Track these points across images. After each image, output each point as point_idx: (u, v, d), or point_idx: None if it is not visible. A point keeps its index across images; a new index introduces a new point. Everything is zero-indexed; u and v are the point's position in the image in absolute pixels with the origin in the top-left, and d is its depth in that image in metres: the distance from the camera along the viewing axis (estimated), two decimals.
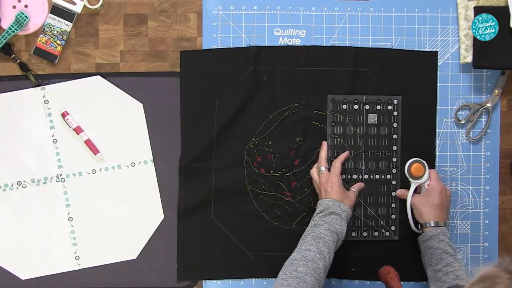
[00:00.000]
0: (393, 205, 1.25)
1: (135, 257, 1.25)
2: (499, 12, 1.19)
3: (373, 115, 1.25)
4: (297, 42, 1.25)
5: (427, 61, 1.25)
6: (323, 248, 1.02)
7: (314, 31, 1.25)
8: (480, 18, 1.20)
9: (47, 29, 1.22)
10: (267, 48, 1.24)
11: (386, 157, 1.25)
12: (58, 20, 1.22)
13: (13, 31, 1.20)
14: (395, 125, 1.25)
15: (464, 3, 1.24)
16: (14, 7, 1.22)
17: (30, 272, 1.25)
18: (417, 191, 1.22)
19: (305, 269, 0.96)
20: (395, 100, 1.24)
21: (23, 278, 1.25)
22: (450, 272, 1.07)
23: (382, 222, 1.25)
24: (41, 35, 1.22)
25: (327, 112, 1.24)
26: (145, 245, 1.25)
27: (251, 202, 1.25)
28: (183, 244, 1.25)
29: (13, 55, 1.22)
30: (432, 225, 1.14)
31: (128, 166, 1.25)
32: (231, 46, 1.24)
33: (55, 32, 1.22)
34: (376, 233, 1.26)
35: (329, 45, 1.25)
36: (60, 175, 1.24)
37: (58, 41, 1.23)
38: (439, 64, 1.26)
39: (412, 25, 1.25)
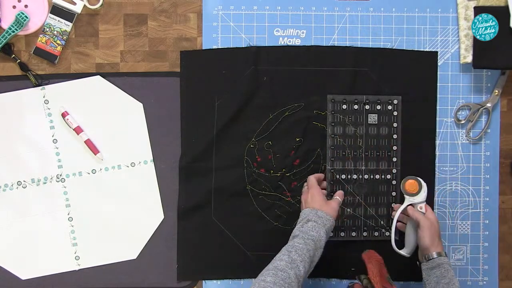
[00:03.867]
0: (393, 205, 1.25)
1: (135, 257, 1.25)
2: (499, 12, 1.19)
3: (373, 115, 1.24)
4: (297, 42, 1.25)
5: (427, 61, 1.25)
6: (295, 257, 1.02)
7: (314, 31, 1.25)
8: (480, 18, 1.20)
9: (47, 29, 1.22)
10: (267, 48, 1.24)
11: (386, 157, 1.25)
12: (58, 20, 1.22)
13: (13, 31, 1.20)
14: (395, 125, 1.25)
15: (464, 3, 1.24)
16: (14, 7, 1.22)
17: (30, 272, 1.25)
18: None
19: (273, 278, 0.96)
20: (395, 100, 1.24)
21: (23, 278, 1.25)
22: None
23: (382, 222, 1.25)
24: (41, 35, 1.22)
25: (327, 112, 1.24)
26: (145, 245, 1.25)
27: (251, 202, 1.25)
28: (183, 244, 1.25)
29: (13, 55, 1.22)
30: (436, 255, 1.11)
31: (128, 166, 1.25)
32: (231, 46, 1.24)
33: (55, 32, 1.22)
34: (376, 233, 1.26)
35: (329, 45, 1.25)
36: (60, 175, 1.24)
37: (58, 41, 1.23)
38: (439, 64, 1.26)
39: (412, 25, 1.25)
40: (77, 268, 1.26)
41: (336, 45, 1.25)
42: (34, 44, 1.23)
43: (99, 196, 1.25)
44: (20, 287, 1.25)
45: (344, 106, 1.24)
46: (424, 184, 1.19)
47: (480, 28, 1.20)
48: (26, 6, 1.22)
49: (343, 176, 1.24)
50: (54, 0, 1.21)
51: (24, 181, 1.24)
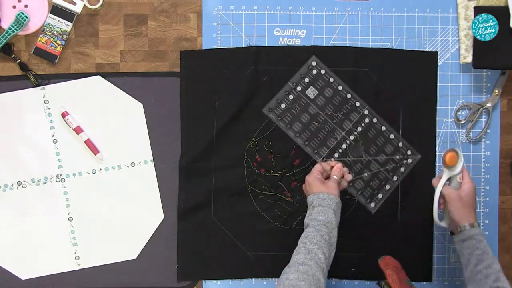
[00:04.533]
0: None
1: (135, 257, 1.25)
2: (499, 12, 1.19)
3: (311, 88, 1.23)
4: (297, 42, 1.25)
5: (427, 61, 1.25)
6: (311, 247, 1.03)
7: (314, 31, 1.25)
8: (480, 18, 1.20)
9: (47, 29, 1.22)
10: (267, 48, 1.24)
11: (354, 109, 1.24)
12: (58, 20, 1.22)
13: (13, 31, 1.20)
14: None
15: (464, 3, 1.24)
16: (14, 7, 1.22)
17: (30, 272, 1.25)
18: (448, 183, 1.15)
19: (296, 275, 0.97)
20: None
21: (23, 278, 1.25)
22: (491, 274, 1.03)
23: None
24: (41, 35, 1.22)
25: (272, 120, 1.23)
26: (145, 245, 1.25)
27: (251, 202, 1.25)
28: (183, 244, 1.25)
29: (13, 55, 1.22)
30: (468, 227, 1.09)
31: (128, 166, 1.25)
32: (231, 46, 1.24)
33: (55, 32, 1.22)
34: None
35: (329, 45, 1.25)
36: (60, 175, 1.24)
37: (58, 41, 1.23)
38: (439, 64, 1.26)
39: (412, 25, 1.25)
40: (77, 268, 1.26)
41: (336, 45, 1.25)
42: (34, 44, 1.23)
43: (99, 196, 1.25)
44: (20, 287, 1.25)
45: (283, 105, 1.23)
46: (461, 154, 1.12)
47: (480, 28, 1.20)
48: (26, 6, 1.22)
49: (336, 155, 1.22)
50: (54, 0, 1.21)
51: (24, 181, 1.24)
